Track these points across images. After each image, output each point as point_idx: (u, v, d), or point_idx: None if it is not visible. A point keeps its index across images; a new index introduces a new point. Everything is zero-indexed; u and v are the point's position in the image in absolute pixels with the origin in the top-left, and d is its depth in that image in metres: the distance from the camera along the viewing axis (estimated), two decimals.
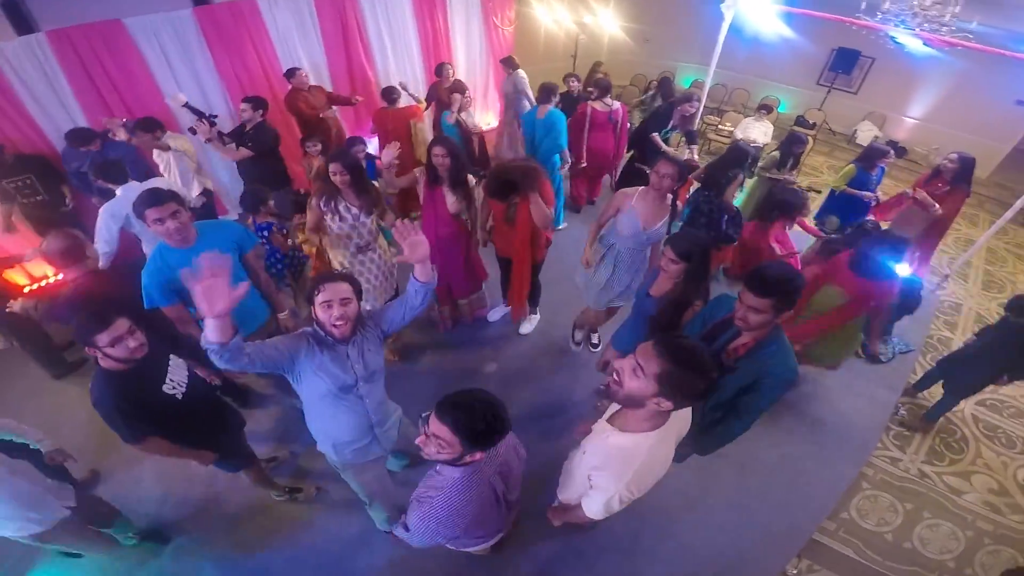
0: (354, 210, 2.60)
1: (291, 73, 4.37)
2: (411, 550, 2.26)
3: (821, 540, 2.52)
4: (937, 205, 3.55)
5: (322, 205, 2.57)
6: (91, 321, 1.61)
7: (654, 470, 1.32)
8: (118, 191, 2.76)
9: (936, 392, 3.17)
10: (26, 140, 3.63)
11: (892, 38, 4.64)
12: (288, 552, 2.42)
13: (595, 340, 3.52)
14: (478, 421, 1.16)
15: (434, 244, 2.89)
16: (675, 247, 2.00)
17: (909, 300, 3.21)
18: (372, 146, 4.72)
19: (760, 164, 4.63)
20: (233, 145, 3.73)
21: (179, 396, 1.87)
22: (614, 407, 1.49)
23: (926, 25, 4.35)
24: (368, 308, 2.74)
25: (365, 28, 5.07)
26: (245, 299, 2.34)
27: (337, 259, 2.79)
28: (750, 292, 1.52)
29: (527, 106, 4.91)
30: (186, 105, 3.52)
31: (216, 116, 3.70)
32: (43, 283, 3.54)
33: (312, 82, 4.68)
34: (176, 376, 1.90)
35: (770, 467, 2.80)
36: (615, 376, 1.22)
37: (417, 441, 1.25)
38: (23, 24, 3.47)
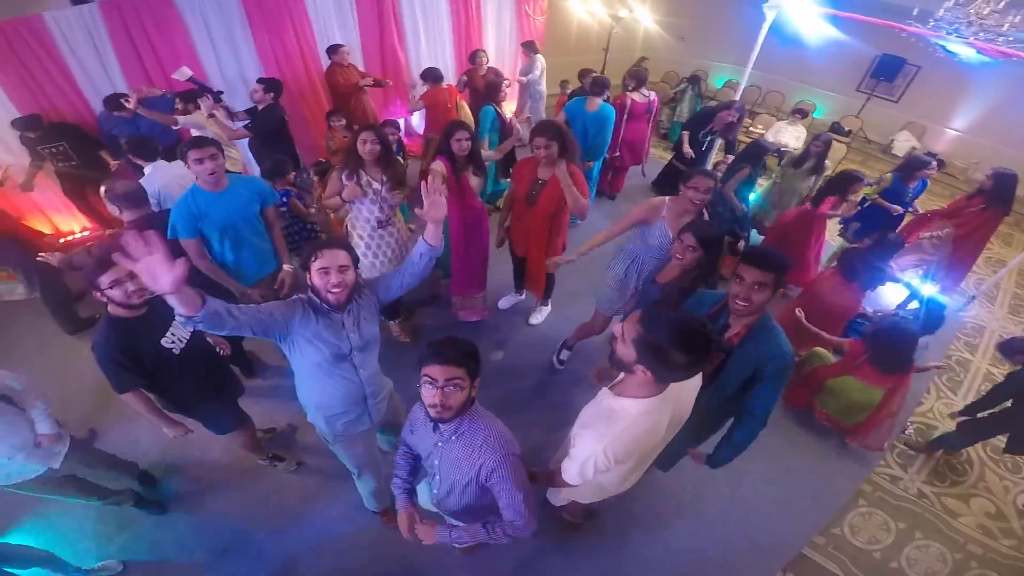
0: (376, 184, 2.64)
1: (334, 49, 4.55)
2: (391, 534, 2.33)
3: (809, 555, 2.54)
4: (947, 230, 3.52)
5: (344, 177, 2.61)
6: (97, 263, 1.70)
7: (637, 438, 1.30)
8: (147, 169, 2.88)
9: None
10: (70, 106, 3.80)
11: (943, 47, 4.46)
12: (272, 524, 2.47)
13: (563, 357, 3.35)
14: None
15: (460, 232, 3.00)
16: (697, 233, 1.98)
17: (930, 322, 3.19)
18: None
19: (782, 161, 4.57)
20: (230, 124, 3.76)
21: (176, 351, 1.95)
22: (621, 376, 1.51)
23: (981, 34, 4.18)
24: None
25: (400, 11, 5.13)
26: (263, 244, 2.47)
27: (356, 232, 2.83)
28: (754, 268, 1.54)
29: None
30: (191, 79, 3.60)
31: (222, 92, 3.78)
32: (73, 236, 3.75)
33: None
34: (179, 332, 1.97)
35: (768, 478, 2.82)
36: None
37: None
38: None
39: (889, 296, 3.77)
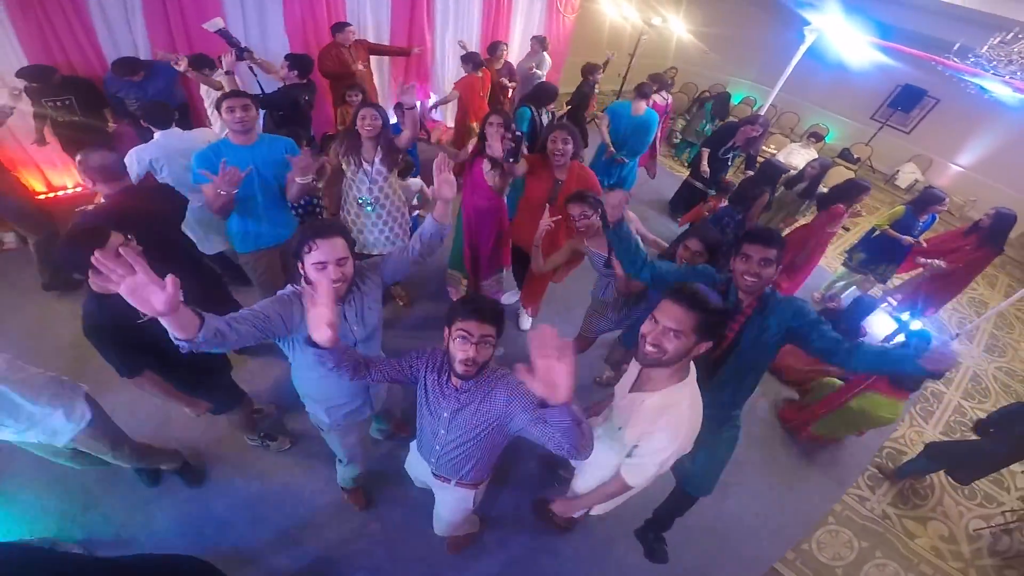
0: (376, 163, 2.66)
1: (339, 27, 4.25)
2: (365, 528, 2.35)
3: (779, 568, 2.70)
4: (938, 262, 3.63)
5: (344, 156, 2.63)
6: (84, 236, 1.50)
7: (697, 415, 1.38)
8: (157, 135, 2.82)
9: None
10: (85, 62, 3.70)
11: (979, 86, 4.47)
12: (251, 510, 2.42)
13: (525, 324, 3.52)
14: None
15: (471, 215, 2.96)
16: (702, 236, 1.99)
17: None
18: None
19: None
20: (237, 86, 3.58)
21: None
22: (630, 377, 1.56)
23: (1019, 73, 4.18)
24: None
25: None
26: (280, 211, 2.52)
27: (350, 209, 2.84)
28: (759, 244, 1.63)
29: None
30: (220, 31, 3.48)
31: (248, 49, 3.66)
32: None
33: (371, 36, 4.75)
34: None
35: (753, 492, 2.97)
36: (652, 347, 1.29)
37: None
38: None
39: (877, 327, 3.96)
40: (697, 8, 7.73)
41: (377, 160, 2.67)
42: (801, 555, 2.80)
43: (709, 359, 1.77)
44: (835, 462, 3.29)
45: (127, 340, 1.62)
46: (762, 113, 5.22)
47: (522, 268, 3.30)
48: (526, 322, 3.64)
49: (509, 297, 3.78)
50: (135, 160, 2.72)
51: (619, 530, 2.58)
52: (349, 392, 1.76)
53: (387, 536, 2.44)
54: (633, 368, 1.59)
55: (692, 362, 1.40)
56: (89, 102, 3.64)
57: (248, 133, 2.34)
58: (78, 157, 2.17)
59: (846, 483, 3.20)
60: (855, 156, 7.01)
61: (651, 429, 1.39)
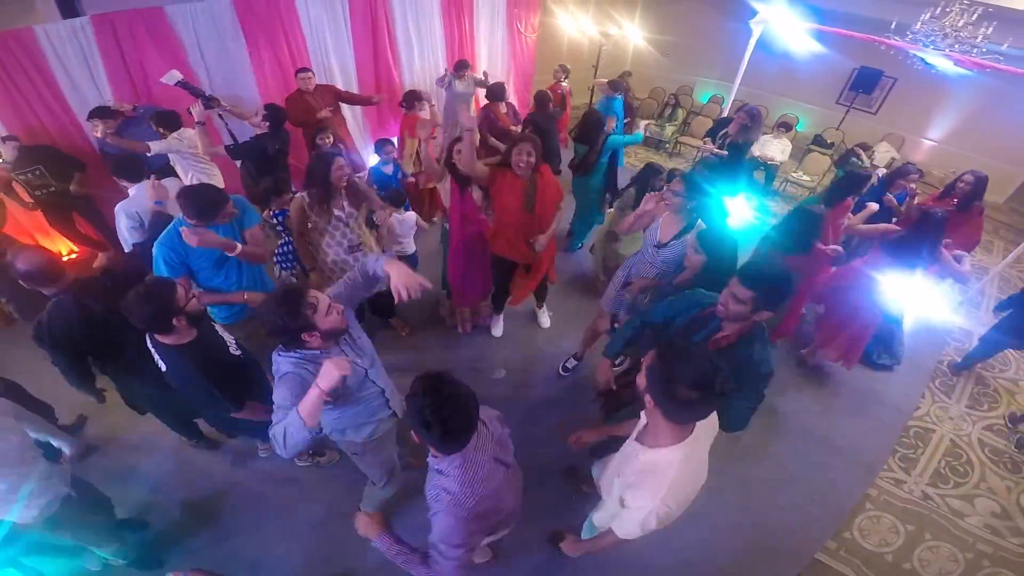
0: (348, 209, 2.63)
1: (300, 71, 4.24)
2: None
3: (821, 559, 2.54)
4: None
5: (307, 207, 2.54)
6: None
7: (690, 480, 1.34)
8: (131, 190, 2.76)
9: None
10: (56, 124, 3.70)
11: (922, 59, 4.62)
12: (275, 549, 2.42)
13: (569, 365, 3.41)
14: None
15: (461, 245, 3.00)
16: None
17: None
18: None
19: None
20: (218, 147, 3.65)
21: (241, 354, 1.93)
22: (641, 424, 1.52)
23: (957, 46, 4.34)
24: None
25: (394, 26, 5.16)
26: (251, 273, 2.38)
27: (325, 259, 2.78)
28: (739, 281, 1.59)
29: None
30: (181, 83, 3.48)
31: (213, 97, 3.67)
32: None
33: (339, 78, 4.79)
34: (227, 336, 1.95)
35: (776, 486, 2.82)
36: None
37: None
38: (70, 7, 3.60)
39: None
40: (651, 13, 8.01)
41: (346, 204, 2.64)
42: (844, 544, 2.62)
43: None
44: (858, 446, 3.12)
45: (219, 377, 1.75)
46: (726, 110, 5.30)
47: (503, 278, 3.30)
48: (544, 320, 3.80)
49: (498, 329, 3.71)
50: (124, 216, 2.67)
51: (641, 538, 2.38)
52: (372, 410, 1.81)
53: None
54: (643, 418, 1.52)
55: (696, 424, 1.34)
56: (58, 168, 3.58)
57: None
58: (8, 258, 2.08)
59: (874, 467, 3.02)
60: (828, 141, 7.08)
61: (636, 484, 1.39)
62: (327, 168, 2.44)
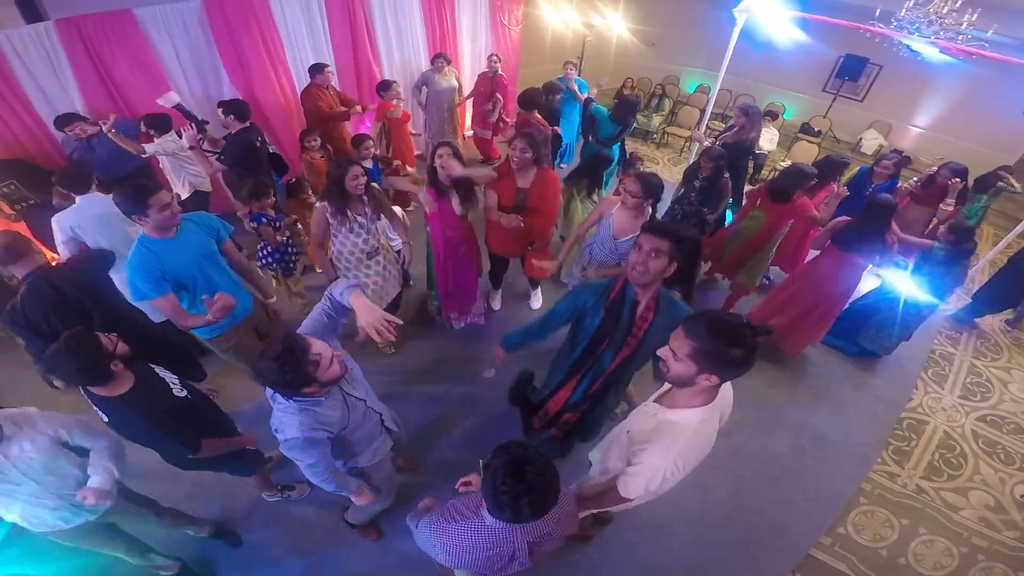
0: (361, 218, 2.62)
1: (318, 68, 4.23)
2: (385, 561, 2.33)
3: (816, 555, 2.52)
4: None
5: (329, 215, 2.54)
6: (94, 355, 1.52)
7: (701, 445, 1.34)
8: (77, 200, 2.63)
9: None
10: (27, 133, 3.58)
11: (908, 46, 4.59)
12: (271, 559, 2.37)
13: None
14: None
15: (443, 249, 2.97)
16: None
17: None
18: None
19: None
20: (212, 157, 3.52)
21: (188, 396, 1.83)
22: (663, 388, 1.52)
23: (942, 33, 4.32)
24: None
25: (372, 23, 5.04)
26: (231, 281, 2.31)
27: (344, 265, 2.77)
28: (651, 235, 1.63)
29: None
30: (177, 106, 3.43)
31: (207, 122, 3.63)
32: None
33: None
34: (169, 376, 1.83)
35: (768, 482, 2.80)
36: (663, 362, 1.29)
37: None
38: (32, 12, 3.46)
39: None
40: (634, 3, 7.91)
41: (369, 211, 2.65)
42: (839, 539, 2.60)
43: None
44: (851, 440, 3.10)
45: (169, 421, 1.70)
46: (711, 100, 5.24)
47: (499, 264, 3.50)
48: (536, 302, 3.92)
49: (497, 302, 3.88)
50: (56, 228, 2.57)
51: (633, 534, 2.51)
52: (372, 435, 1.77)
53: (408, 566, 2.34)
54: (665, 386, 1.53)
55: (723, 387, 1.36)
56: (33, 181, 3.45)
57: (174, 225, 2.06)
58: None
59: (868, 460, 3.00)
60: (816, 129, 7.06)
61: (648, 441, 1.38)
62: (343, 176, 2.45)
